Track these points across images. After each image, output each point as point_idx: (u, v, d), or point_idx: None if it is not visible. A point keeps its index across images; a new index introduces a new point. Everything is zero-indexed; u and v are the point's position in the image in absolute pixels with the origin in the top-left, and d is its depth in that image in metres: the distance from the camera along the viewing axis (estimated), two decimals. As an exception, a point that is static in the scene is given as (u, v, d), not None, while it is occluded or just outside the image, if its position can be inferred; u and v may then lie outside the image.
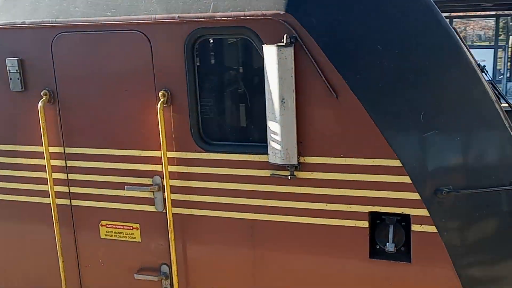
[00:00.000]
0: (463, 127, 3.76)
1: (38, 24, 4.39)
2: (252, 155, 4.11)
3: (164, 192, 4.35)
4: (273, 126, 3.89)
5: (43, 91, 4.47)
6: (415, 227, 3.84)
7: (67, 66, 4.44)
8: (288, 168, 3.97)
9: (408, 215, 3.85)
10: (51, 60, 4.45)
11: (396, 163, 3.77)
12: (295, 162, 3.90)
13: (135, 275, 4.61)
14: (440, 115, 3.74)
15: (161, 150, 4.26)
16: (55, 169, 4.62)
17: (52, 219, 4.65)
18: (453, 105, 3.78)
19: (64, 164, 4.63)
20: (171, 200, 4.31)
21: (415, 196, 3.79)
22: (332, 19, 3.81)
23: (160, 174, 4.37)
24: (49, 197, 4.64)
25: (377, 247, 4.04)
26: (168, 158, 4.27)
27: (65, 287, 4.79)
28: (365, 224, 3.95)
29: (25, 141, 4.70)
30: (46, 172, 4.61)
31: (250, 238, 4.26)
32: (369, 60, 3.76)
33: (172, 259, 4.40)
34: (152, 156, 4.36)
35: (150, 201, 4.47)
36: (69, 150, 4.60)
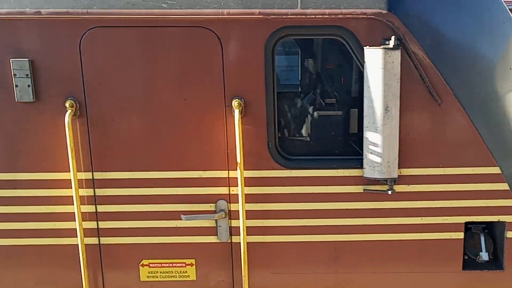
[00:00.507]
0: None
1: (62, 16, 3.37)
2: (340, 170, 3.66)
3: (230, 218, 3.68)
4: (373, 137, 3.50)
5: (68, 102, 3.46)
6: (510, 234, 3.79)
7: (101, 69, 3.49)
8: (385, 182, 3.62)
9: (504, 222, 3.77)
10: (78, 61, 3.46)
11: (496, 170, 3.67)
12: (395, 175, 3.57)
13: None
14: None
15: (229, 170, 3.60)
16: (80, 200, 3.62)
17: (80, 265, 3.64)
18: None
19: (92, 194, 3.65)
20: (245, 226, 3.64)
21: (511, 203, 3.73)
22: (435, 20, 3.56)
23: (225, 197, 3.68)
24: (74, 237, 3.64)
25: (465, 257, 3.91)
26: (236, 178, 3.61)
27: None
28: (461, 235, 3.78)
29: (34, 167, 3.60)
30: (68, 205, 3.59)
31: (333, 261, 3.81)
32: (472, 64, 3.60)
33: (244, 297, 3.74)
34: (216, 177, 3.65)
35: (210, 231, 3.74)
36: (100, 175, 3.63)
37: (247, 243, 3.69)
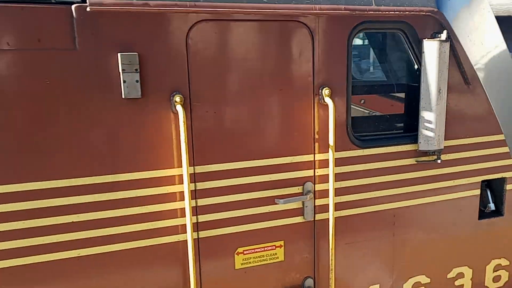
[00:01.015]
0: None
1: (170, 8, 3.29)
2: (399, 146, 4.25)
3: (316, 198, 4.01)
4: (428, 115, 4.16)
5: (178, 96, 3.39)
6: (509, 187, 4.82)
7: (205, 62, 3.49)
8: (433, 153, 4.32)
9: (504, 178, 4.78)
10: (185, 55, 3.40)
11: (501, 137, 4.64)
12: (442, 147, 4.29)
13: None
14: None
15: (314, 153, 3.93)
16: (182, 195, 3.57)
17: (189, 260, 3.59)
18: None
19: (193, 188, 3.62)
20: (334, 204, 4.00)
21: (511, 162, 4.76)
22: (467, 17, 4.34)
23: (311, 179, 3.98)
24: (174, 234, 3.58)
25: (477, 209, 4.84)
26: (322, 160, 3.95)
27: None
28: (478, 191, 4.69)
29: (137, 166, 3.43)
30: (170, 202, 3.53)
31: (391, 226, 4.39)
32: (493, 52, 4.48)
33: (331, 267, 4.09)
34: (304, 161, 3.93)
35: (297, 212, 4.00)
36: (201, 169, 3.62)
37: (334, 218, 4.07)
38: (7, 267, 3.24)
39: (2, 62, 2.97)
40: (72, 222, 3.31)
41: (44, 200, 3.21)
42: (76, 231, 3.34)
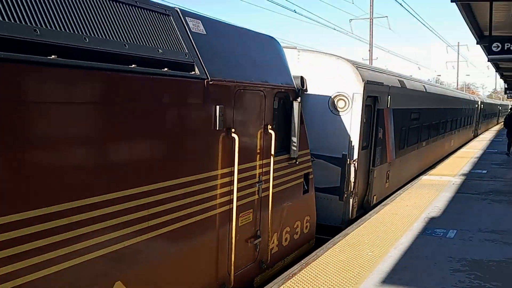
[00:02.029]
0: None
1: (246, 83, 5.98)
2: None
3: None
4: (293, 140, 6.92)
5: (233, 129, 5.61)
6: (311, 176, 6.93)
7: (242, 114, 5.93)
8: (294, 158, 7.04)
9: (309, 172, 6.87)
10: (232, 109, 5.72)
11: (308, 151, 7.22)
12: (297, 155, 7.10)
13: None
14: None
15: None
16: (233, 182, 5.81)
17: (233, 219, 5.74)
18: None
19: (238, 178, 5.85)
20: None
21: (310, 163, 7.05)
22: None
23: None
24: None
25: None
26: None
27: None
28: (302, 179, 7.45)
29: (215, 167, 5.38)
30: (231, 186, 5.69)
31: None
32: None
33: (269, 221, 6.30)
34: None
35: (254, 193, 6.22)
36: (241, 168, 5.86)
37: None
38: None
39: (173, 113, 4.76)
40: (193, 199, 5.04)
41: (188, 187, 4.89)
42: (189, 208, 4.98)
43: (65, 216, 3.60)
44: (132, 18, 4.43)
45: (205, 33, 5.34)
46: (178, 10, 5.14)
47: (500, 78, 44.41)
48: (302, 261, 6.75)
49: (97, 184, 3.89)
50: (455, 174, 14.99)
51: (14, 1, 3.35)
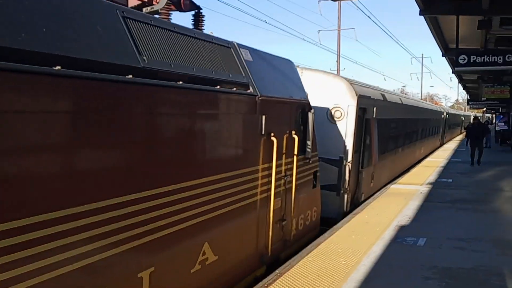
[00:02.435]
0: None
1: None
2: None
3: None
4: (308, 143, 7.66)
5: (272, 133, 7.01)
6: (318, 174, 7.03)
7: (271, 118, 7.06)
8: (309, 158, 7.74)
9: (316, 171, 7.02)
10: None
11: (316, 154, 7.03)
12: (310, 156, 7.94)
13: None
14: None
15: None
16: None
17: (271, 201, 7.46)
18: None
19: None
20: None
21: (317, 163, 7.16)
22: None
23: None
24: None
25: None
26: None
27: None
28: (312, 176, 7.98)
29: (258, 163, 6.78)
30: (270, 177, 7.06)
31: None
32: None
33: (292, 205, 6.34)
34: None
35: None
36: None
37: None
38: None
39: (239, 120, 6.30)
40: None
41: (244, 177, 6.31)
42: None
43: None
44: (214, 52, 5.94)
45: (252, 60, 6.85)
46: (235, 43, 6.62)
47: (463, 89, 45.65)
48: (277, 270, 6.74)
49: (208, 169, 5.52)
50: (422, 183, 15.30)
51: (163, 51, 4.90)
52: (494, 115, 42.62)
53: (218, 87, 5.71)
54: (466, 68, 11.57)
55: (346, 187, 11.07)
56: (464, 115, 66.73)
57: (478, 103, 42.59)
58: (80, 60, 3.74)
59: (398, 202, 11.93)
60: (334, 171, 10.82)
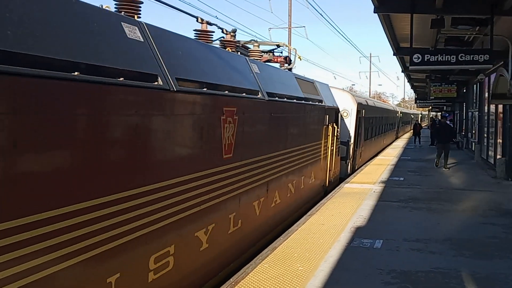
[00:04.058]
0: None
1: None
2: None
3: None
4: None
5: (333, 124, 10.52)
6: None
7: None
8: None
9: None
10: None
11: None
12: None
13: None
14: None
15: None
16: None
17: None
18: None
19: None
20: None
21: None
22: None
23: None
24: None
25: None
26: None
27: None
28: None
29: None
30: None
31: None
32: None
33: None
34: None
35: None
36: None
37: None
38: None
39: (317, 117, 12.20)
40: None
41: (318, 146, 12.34)
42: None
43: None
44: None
45: (320, 88, 12.28)
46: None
47: (411, 88, 46.78)
48: (231, 279, 6.35)
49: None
50: (375, 182, 15.31)
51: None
52: (440, 114, 43.99)
53: (310, 102, 11.12)
54: (420, 67, 11.55)
55: (350, 158, 17.76)
56: (413, 114, 70.72)
57: (425, 101, 43.70)
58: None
59: (352, 202, 11.80)
60: (343, 148, 16.70)
